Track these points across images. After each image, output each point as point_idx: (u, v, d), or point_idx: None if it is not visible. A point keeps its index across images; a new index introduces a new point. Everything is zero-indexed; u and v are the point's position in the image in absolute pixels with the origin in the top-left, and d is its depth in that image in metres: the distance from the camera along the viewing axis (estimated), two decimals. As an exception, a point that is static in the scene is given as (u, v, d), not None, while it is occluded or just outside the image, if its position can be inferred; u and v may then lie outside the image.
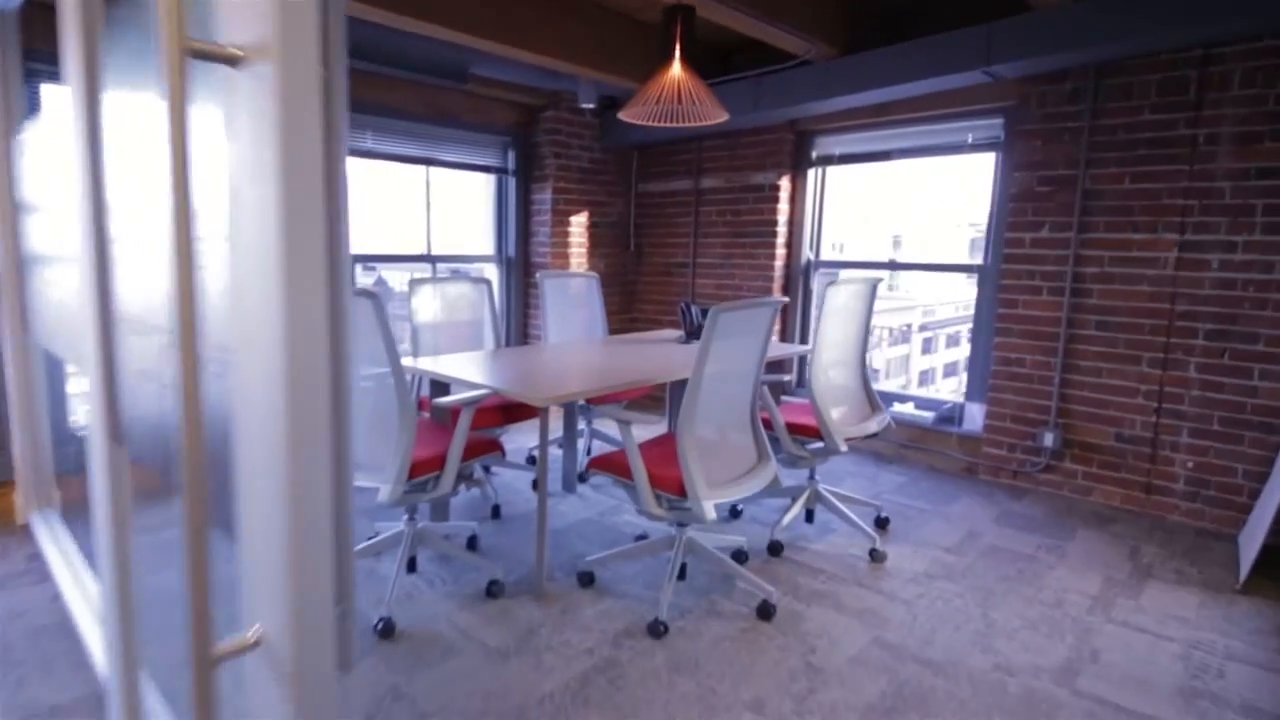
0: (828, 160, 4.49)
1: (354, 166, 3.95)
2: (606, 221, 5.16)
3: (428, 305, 3.17)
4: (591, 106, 4.33)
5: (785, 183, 4.55)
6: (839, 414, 2.60)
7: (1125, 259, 3.23)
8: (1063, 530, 3.01)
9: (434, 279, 3.24)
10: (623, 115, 2.83)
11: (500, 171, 4.75)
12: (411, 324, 3.10)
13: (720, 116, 2.89)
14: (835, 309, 2.54)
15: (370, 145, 3.97)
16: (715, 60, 4.49)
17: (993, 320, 3.73)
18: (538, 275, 3.77)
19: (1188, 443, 3.12)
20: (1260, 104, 2.85)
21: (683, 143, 5.00)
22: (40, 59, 2.83)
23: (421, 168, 4.30)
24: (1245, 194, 2.91)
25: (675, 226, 5.15)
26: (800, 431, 2.62)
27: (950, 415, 4.02)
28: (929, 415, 4.06)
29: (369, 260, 4.09)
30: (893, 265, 4.60)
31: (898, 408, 4.17)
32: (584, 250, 5.01)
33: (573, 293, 3.91)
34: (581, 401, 3.44)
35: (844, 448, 2.51)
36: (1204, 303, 3.04)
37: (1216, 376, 3.03)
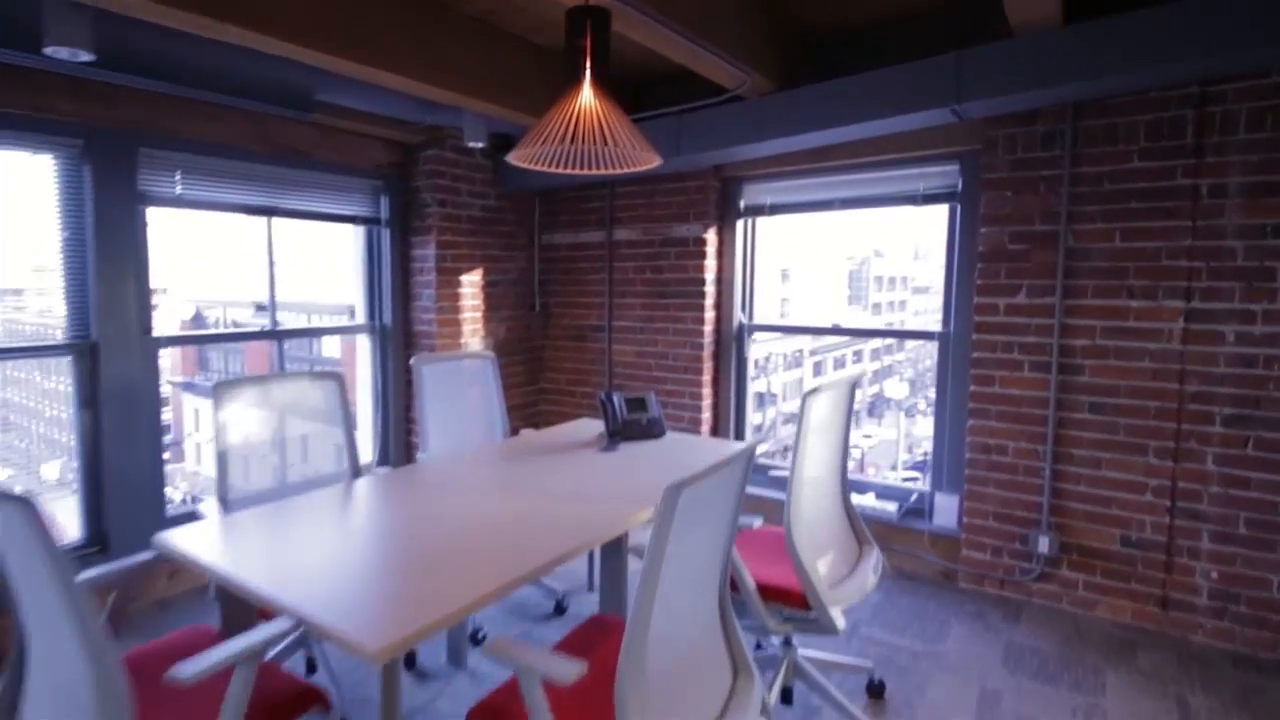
0: (758, 210, 3.89)
1: (160, 218, 2.97)
2: (506, 279, 4.35)
3: (244, 420, 2.24)
4: (480, 145, 3.54)
5: (712, 235, 3.92)
6: (827, 566, 1.89)
7: (1121, 330, 2.74)
8: (1086, 673, 2.41)
9: (252, 380, 2.31)
10: (513, 158, 2.06)
11: (370, 222, 3.85)
12: (216, 453, 2.15)
13: (650, 160, 2.18)
14: (818, 425, 1.84)
15: (180, 191, 3.00)
16: (624, 99, 3.84)
17: (961, 398, 3.18)
18: (412, 360, 2.90)
19: (1209, 549, 2.63)
20: (1273, 149, 2.44)
21: (592, 189, 4.30)
22: None
23: (261, 219, 3.35)
24: (1261, 255, 2.48)
25: (587, 284, 4.41)
26: (777, 597, 1.88)
27: (919, 508, 3.42)
28: (893, 508, 3.45)
29: (169, 343, 3.07)
30: (838, 330, 4.04)
31: (855, 499, 3.54)
32: (479, 314, 4.17)
33: (461, 381, 3.06)
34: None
35: (841, 623, 1.78)
36: (1220, 382, 2.58)
37: (1240, 470, 2.56)
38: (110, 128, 2.73)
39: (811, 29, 3.19)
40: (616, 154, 2.18)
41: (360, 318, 3.95)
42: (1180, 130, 2.59)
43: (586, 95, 2.01)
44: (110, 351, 2.80)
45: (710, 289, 3.97)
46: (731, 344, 4.02)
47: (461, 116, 3.38)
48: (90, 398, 2.79)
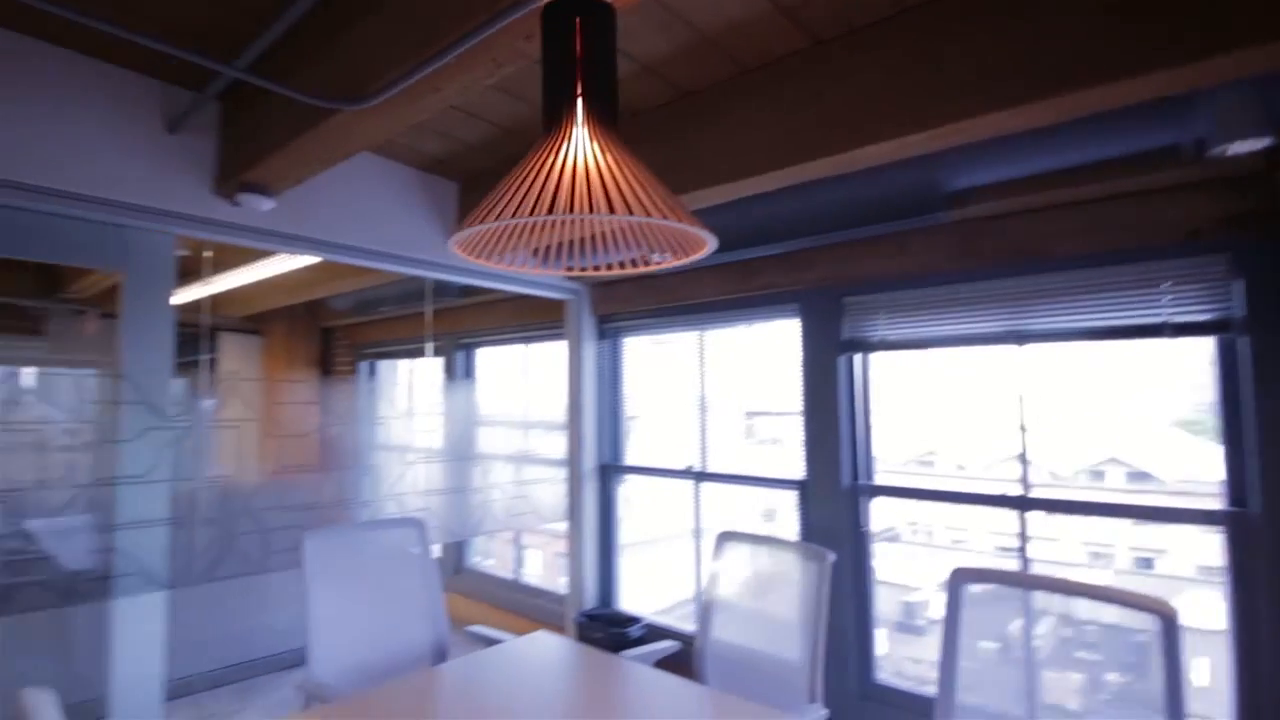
0: None
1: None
2: None
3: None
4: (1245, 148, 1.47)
5: None
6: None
7: None
8: None
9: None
10: (456, 242, 1.12)
11: (1210, 329, 2.14)
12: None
13: (698, 246, 0.82)
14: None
15: (884, 333, 2.69)
16: None
17: None
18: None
19: None
20: None
21: None
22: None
23: (1006, 349, 2.52)
24: None
25: None
26: None
27: None
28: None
29: (875, 492, 2.69)
30: None
31: None
32: None
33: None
34: None
35: None
36: None
37: None
38: (811, 289, 2.86)
39: None
40: (642, 235, 0.92)
41: (1213, 484, 2.20)
42: None
43: (579, 147, 1.04)
44: (819, 494, 2.85)
45: None
46: None
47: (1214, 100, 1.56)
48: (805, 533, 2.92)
